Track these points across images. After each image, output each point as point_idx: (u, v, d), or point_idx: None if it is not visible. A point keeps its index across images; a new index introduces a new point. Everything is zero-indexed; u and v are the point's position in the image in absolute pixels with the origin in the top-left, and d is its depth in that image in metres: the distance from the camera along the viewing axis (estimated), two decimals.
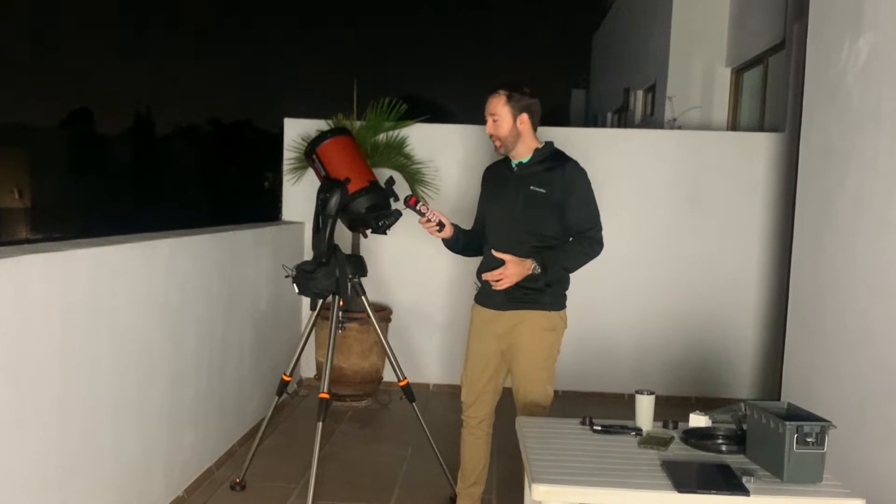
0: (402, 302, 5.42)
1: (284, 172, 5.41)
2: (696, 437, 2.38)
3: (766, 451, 2.15)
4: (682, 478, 2.06)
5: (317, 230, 3.47)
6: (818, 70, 3.65)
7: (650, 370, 5.36)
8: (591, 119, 13.44)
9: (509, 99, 2.88)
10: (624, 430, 2.45)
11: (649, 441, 2.35)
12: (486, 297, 3.02)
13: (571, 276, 3.01)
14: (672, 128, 6.98)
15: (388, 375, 4.44)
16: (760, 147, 5.35)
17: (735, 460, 2.23)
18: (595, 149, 4.87)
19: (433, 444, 3.64)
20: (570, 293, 3.03)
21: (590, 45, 14.25)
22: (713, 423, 2.49)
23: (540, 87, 2.99)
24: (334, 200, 3.39)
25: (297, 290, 3.52)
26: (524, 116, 2.89)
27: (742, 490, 1.99)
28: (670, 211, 5.39)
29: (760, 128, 6.24)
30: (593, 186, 2.95)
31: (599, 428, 2.46)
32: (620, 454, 2.28)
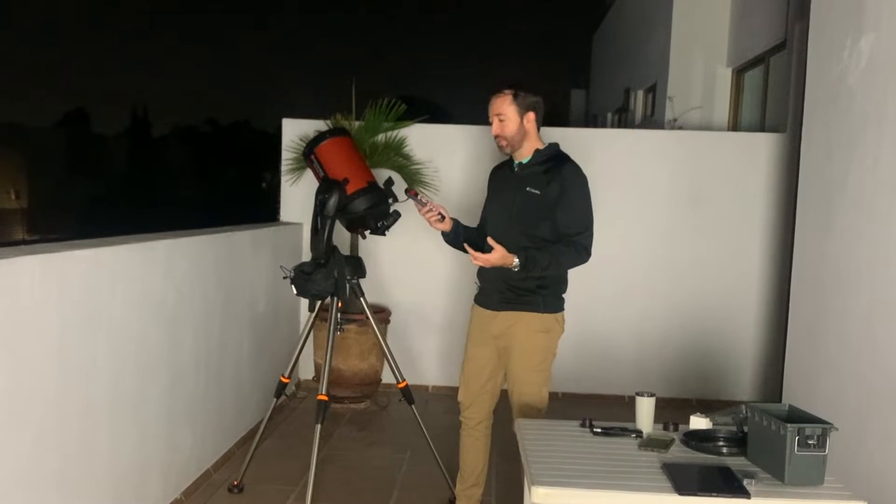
0: (401, 303, 5.41)
1: (283, 173, 5.40)
2: (697, 440, 2.36)
3: (768, 454, 2.14)
4: (683, 480, 2.04)
5: (315, 231, 3.46)
6: (820, 70, 3.64)
7: (650, 372, 5.35)
8: (591, 119, 13.43)
9: (515, 98, 2.87)
10: (624, 432, 2.44)
11: (650, 443, 2.33)
12: (484, 297, 3.02)
13: (570, 278, 3.00)
14: (672, 128, 6.97)
15: (387, 377, 4.42)
16: (761, 148, 5.34)
17: (736, 463, 2.21)
18: (595, 149, 4.86)
19: (432, 446, 3.62)
20: (570, 294, 3.01)
21: (590, 45, 14.24)
22: (714, 425, 2.47)
23: (540, 88, 2.98)
24: (333, 201, 3.38)
25: (295, 292, 3.50)
26: (531, 115, 2.88)
27: (743, 493, 1.98)
28: (671, 212, 5.38)
29: (761, 128, 6.23)
30: (593, 188, 2.92)
31: (599, 430, 2.45)
32: (620, 456, 2.26)
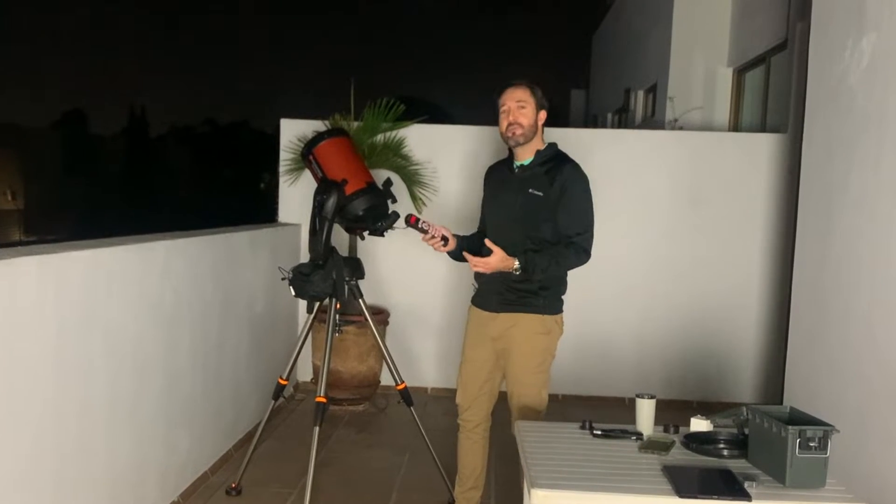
0: (400, 304, 5.39)
1: (281, 174, 5.38)
2: (698, 442, 2.35)
3: (769, 456, 2.13)
4: (684, 483, 2.03)
5: (314, 232, 3.44)
6: (821, 70, 3.63)
7: (651, 374, 5.33)
8: (591, 120, 13.42)
9: (534, 92, 2.88)
10: (624, 434, 2.42)
11: (650, 446, 2.32)
12: (482, 299, 3.00)
13: (570, 279, 2.98)
14: (673, 128, 6.96)
15: (386, 379, 4.42)
16: (762, 148, 5.32)
17: (737, 465, 2.20)
18: (595, 150, 4.85)
19: (431, 448, 3.61)
20: (570, 296, 2.99)
21: (590, 45, 14.24)
22: (715, 427, 2.46)
23: (545, 88, 2.98)
24: (331, 202, 3.37)
25: (293, 293, 3.49)
26: (543, 113, 2.90)
27: (744, 495, 1.97)
28: (671, 213, 5.37)
29: (762, 128, 6.23)
30: (593, 189, 2.90)
31: (599, 432, 2.44)
32: (621, 459, 2.25)
